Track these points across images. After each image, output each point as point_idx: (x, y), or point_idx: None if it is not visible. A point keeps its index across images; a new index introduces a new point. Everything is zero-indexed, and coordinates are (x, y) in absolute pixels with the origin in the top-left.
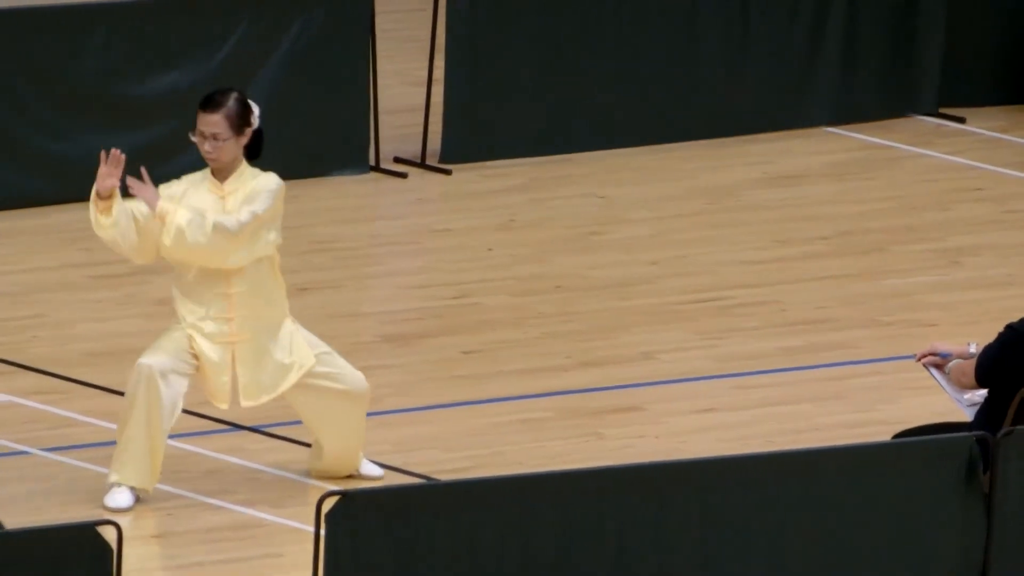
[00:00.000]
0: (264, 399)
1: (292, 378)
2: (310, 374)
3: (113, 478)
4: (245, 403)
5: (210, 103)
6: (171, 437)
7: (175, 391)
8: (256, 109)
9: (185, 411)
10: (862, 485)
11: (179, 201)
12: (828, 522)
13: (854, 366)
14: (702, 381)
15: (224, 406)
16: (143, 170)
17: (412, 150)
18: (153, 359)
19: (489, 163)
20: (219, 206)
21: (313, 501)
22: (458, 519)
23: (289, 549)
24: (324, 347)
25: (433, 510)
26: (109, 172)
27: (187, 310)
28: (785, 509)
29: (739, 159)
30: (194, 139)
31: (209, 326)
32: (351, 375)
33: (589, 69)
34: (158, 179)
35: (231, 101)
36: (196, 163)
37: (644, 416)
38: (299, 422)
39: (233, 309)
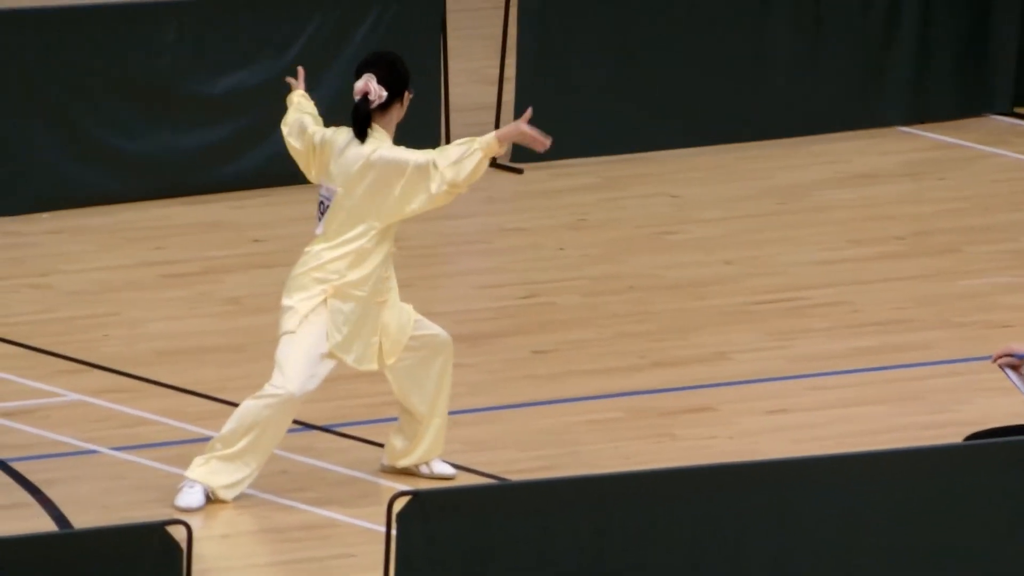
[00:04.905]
0: (396, 355)
1: (409, 329)
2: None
3: (199, 477)
4: (389, 362)
5: None
6: None
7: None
8: None
9: None
10: (937, 487)
11: None
12: (901, 524)
13: (929, 367)
14: (775, 382)
15: (375, 368)
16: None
17: None
18: (294, 387)
19: (561, 162)
20: None
21: (384, 501)
22: (530, 520)
23: (360, 549)
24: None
25: (505, 510)
26: None
27: (361, 267)
28: (858, 510)
29: (813, 158)
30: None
31: (375, 284)
32: (435, 328)
33: (661, 68)
34: (229, 176)
35: None
36: (266, 160)
37: (717, 417)
38: (369, 421)
39: (390, 267)
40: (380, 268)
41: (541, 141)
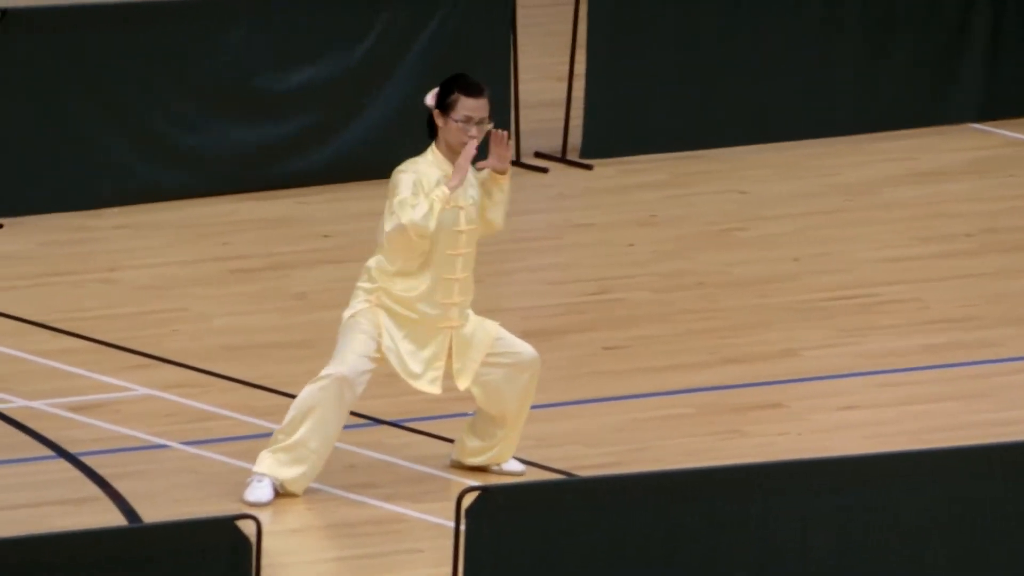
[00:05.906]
0: (470, 377)
1: (486, 347)
2: (490, 350)
3: (265, 469)
4: (464, 386)
5: (477, 87)
6: None
7: (357, 395)
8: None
9: None
10: (1005, 484)
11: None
12: (970, 521)
13: (998, 364)
14: (845, 378)
15: (436, 392)
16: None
17: (553, 145)
18: (345, 368)
19: (630, 158)
20: None
21: (453, 496)
22: (599, 515)
23: (429, 544)
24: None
25: (574, 506)
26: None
27: (404, 288)
28: (928, 507)
29: (881, 155)
30: (458, 124)
31: (428, 308)
32: (522, 346)
33: (730, 64)
34: (297, 171)
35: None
36: (334, 156)
37: (786, 413)
38: (438, 416)
39: (456, 294)
40: (434, 292)
41: (466, 161)
